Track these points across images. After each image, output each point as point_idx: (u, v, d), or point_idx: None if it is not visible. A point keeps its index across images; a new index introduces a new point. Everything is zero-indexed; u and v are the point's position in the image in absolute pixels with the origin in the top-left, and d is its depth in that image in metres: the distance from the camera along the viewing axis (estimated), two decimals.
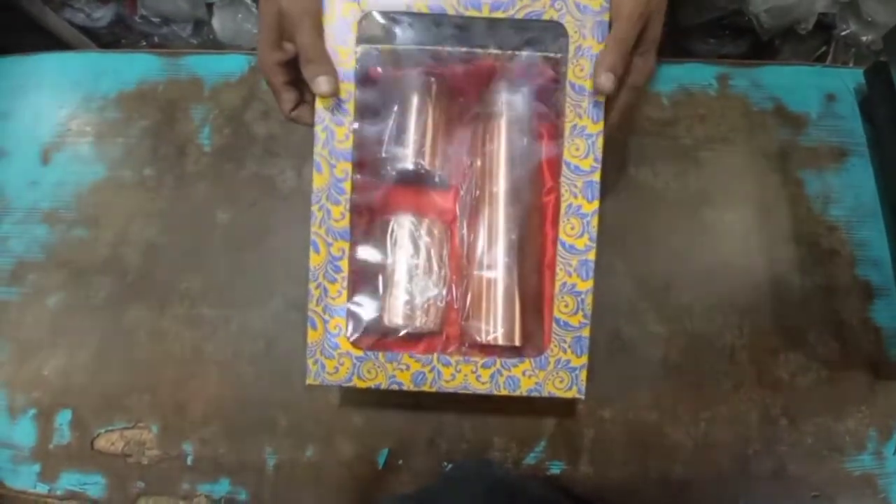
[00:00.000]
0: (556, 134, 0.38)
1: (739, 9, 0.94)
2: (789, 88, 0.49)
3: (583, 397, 0.33)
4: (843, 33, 0.94)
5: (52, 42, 1.27)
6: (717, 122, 0.48)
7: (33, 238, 0.46)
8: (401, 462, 0.39)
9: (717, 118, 0.48)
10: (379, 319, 0.35)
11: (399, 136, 0.37)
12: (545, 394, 0.34)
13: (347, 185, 0.33)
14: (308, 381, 0.33)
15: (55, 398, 0.41)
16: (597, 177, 0.33)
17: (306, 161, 0.46)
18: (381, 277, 0.36)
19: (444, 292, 0.37)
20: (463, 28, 0.36)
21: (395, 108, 0.37)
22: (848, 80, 0.50)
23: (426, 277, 0.36)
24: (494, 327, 0.35)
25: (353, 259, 0.34)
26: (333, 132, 0.33)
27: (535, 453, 0.39)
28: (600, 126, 0.33)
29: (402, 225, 0.36)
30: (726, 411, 0.40)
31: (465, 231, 0.38)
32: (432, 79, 0.38)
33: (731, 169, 0.46)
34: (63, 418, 0.41)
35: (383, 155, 0.37)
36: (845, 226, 0.45)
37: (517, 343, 0.35)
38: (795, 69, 0.50)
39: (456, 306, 0.37)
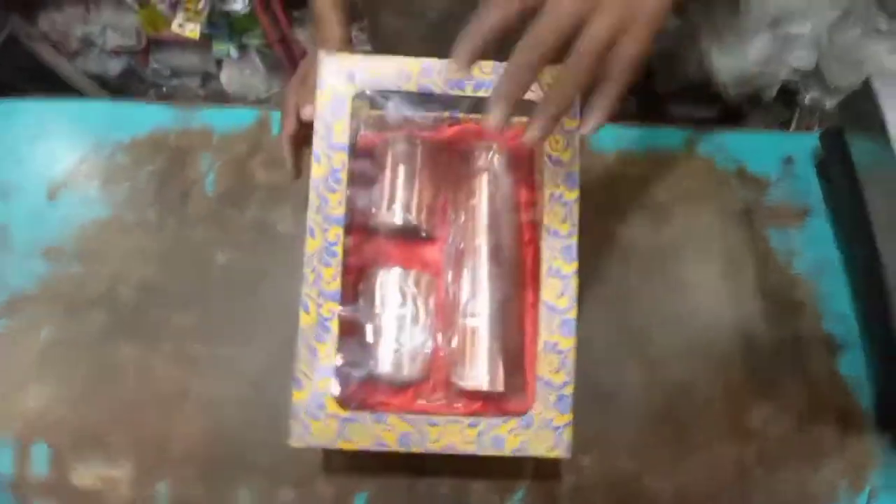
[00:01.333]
0: (534, 187, 0.42)
1: (708, 78, 1.04)
2: (751, 152, 0.53)
3: (568, 456, 0.34)
4: (807, 99, 1.03)
5: (65, 88, 1.34)
6: (687, 182, 0.52)
7: (31, 272, 0.47)
8: None
9: (687, 178, 0.52)
10: (367, 372, 0.36)
11: (387, 194, 0.40)
12: (530, 454, 0.34)
13: (339, 249, 0.35)
14: (292, 444, 0.33)
15: (34, 431, 0.41)
16: (574, 240, 0.35)
17: (306, 208, 0.49)
18: (368, 328, 0.37)
19: (430, 340, 0.38)
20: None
21: (384, 169, 0.41)
22: (805, 143, 0.55)
23: (413, 326, 0.37)
24: (479, 373, 0.36)
25: (341, 317, 0.35)
26: (327, 199, 0.35)
27: (514, 500, 0.39)
28: (576, 193, 0.36)
29: (391, 277, 0.39)
30: (703, 460, 0.41)
31: (450, 281, 0.40)
32: (418, 140, 0.42)
33: (701, 225, 0.50)
34: (40, 451, 0.40)
35: (372, 211, 0.39)
36: (809, 280, 0.48)
37: (500, 389, 0.36)
38: (757, 135, 0.56)
39: (442, 353, 0.38)
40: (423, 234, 0.41)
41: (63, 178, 0.52)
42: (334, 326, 0.34)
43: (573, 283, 0.35)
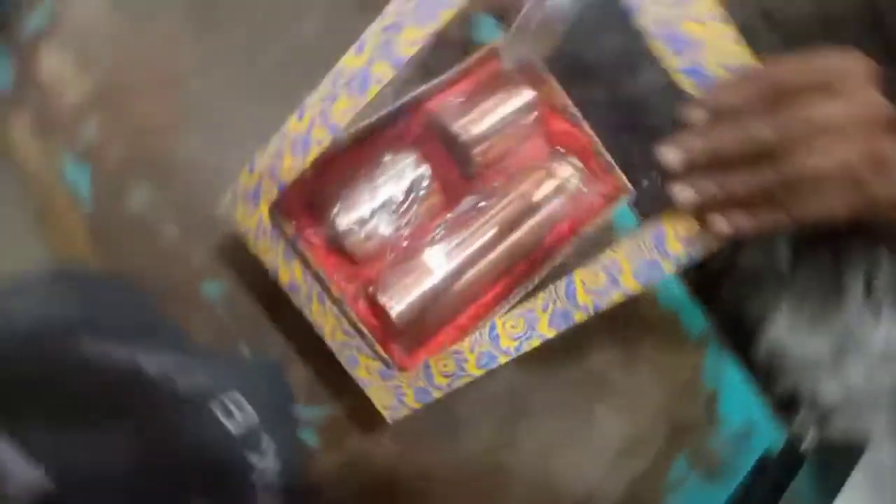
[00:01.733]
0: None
1: None
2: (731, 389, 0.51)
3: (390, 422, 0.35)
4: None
5: None
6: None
7: None
8: None
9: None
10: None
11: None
12: (367, 391, 0.35)
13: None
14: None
15: None
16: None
17: None
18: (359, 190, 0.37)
19: (394, 237, 0.37)
20: None
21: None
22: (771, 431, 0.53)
23: (391, 214, 0.37)
24: (397, 301, 0.36)
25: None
26: None
27: None
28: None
29: (411, 161, 0.38)
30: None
31: (453, 216, 0.39)
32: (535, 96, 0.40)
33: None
34: None
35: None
36: None
37: (399, 328, 0.36)
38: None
39: (389, 258, 0.38)
40: (469, 168, 0.40)
41: None
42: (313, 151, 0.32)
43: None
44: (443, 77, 0.40)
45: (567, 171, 0.41)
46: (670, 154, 0.23)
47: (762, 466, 0.52)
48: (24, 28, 0.38)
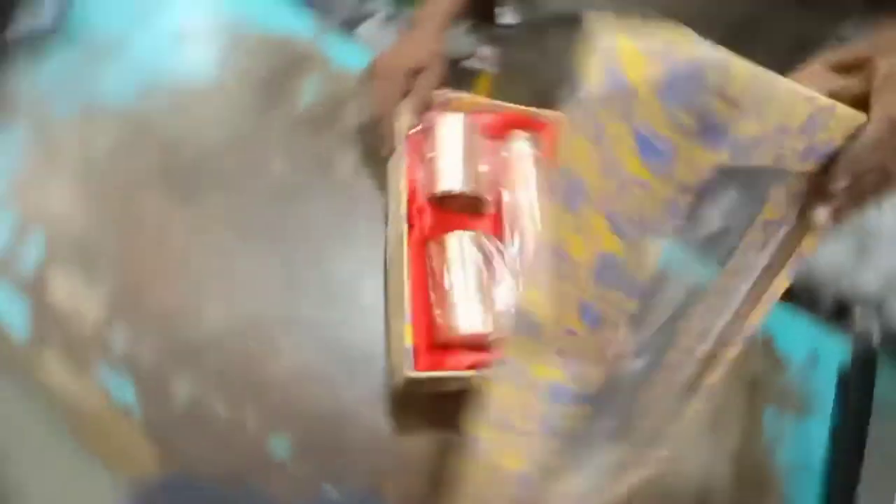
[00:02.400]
0: None
1: None
2: (783, 329, 0.52)
3: None
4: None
5: None
6: None
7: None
8: None
9: None
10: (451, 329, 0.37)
11: (448, 164, 0.43)
12: None
13: None
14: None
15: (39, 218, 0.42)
16: None
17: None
18: (452, 289, 0.38)
19: (510, 297, 0.39)
20: None
21: (442, 143, 0.44)
22: (835, 345, 0.53)
23: (495, 285, 0.39)
24: None
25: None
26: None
27: None
28: None
29: (467, 239, 0.40)
30: None
31: (512, 243, 0.42)
32: (470, 119, 0.46)
33: None
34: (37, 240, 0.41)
35: (433, 178, 0.43)
36: (784, 471, 0.47)
37: None
38: (794, 316, 0.53)
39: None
40: (480, 207, 0.44)
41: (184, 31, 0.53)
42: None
43: None
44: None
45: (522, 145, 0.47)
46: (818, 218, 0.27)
47: (843, 381, 0.52)
48: (24, 263, 0.39)
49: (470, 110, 0.48)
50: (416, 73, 0.46)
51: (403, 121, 0.45)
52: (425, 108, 0.46)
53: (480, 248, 0.40)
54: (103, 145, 0.47)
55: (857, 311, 1.10)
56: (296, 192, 0.48)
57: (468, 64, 1.26)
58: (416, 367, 0.36)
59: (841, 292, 1.03)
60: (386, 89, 0.46)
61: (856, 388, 0.51)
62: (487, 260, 0.40)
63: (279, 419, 0.38)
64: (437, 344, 0.38)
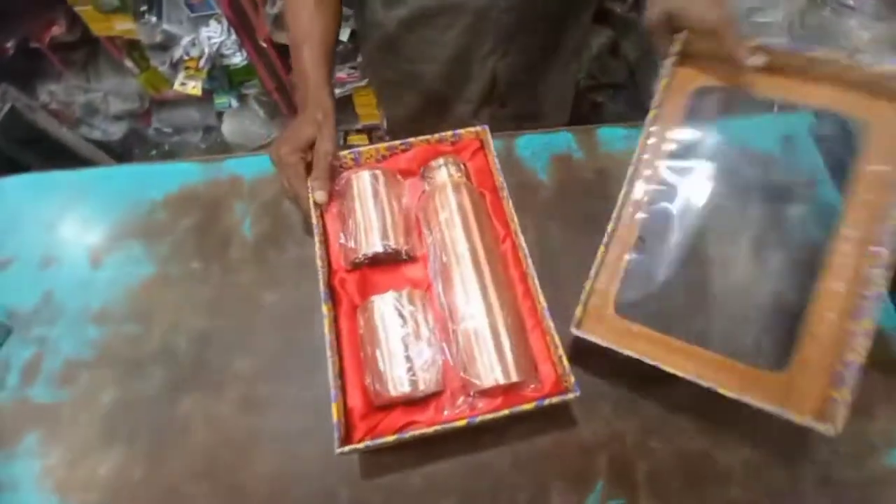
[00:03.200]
0: (495, 188, 0.48)
1: None
2: (752, 134, 0.55)
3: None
4: None
5: (68, 156, 1.37)
6: None
7: (84, 339, 0.48)
8: None
9: None
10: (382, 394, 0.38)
11: (363, 227, 0.44)
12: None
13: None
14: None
15: (112, 498, 0.41)
16: None
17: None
18: (378, 355, 0.39)
19: (438, 352, 0.40)
20: None
21: (354, 205, 0.46)
22: (801, 120, 0.57)
23: (418, 342, 0.39)
24: (490, 370, 0.38)
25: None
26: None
27: (594, 494, 0.40)
28: None
29: (386, 302, 0.41)
30: (765, 426, 0.42)
31: (441, 293, 0.42)
32: (378, 171, 0.47)
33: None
34: None
35: (352, 246, 0.44)
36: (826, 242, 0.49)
37: (515, 378, 0.38)
38: (753, 118, 0.57)
39: (452, 363, 0.40)
40: (405, 256, 0.45)
41: (103, 243, 0.54)
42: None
43: None
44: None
45: (440, 173, 0.48)
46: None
47: None
48: None
49: (379, 159, 0.50)
50: (310, 147, 0.47)
51: (317, 196, 0.46)
52: (331, 175, 0.47)
53: (401, 308, 0.41)
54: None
55: None
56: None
57: (338, 93, 1.26)
58: (353, 436, 0.38)
59: None
60: (288, 174, 0.46)
61: (833, 137, 0.54)
62: (412, 317, 0.41)
63: None
64: (373, 409, 0.39)
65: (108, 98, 1.30)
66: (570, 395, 0.37)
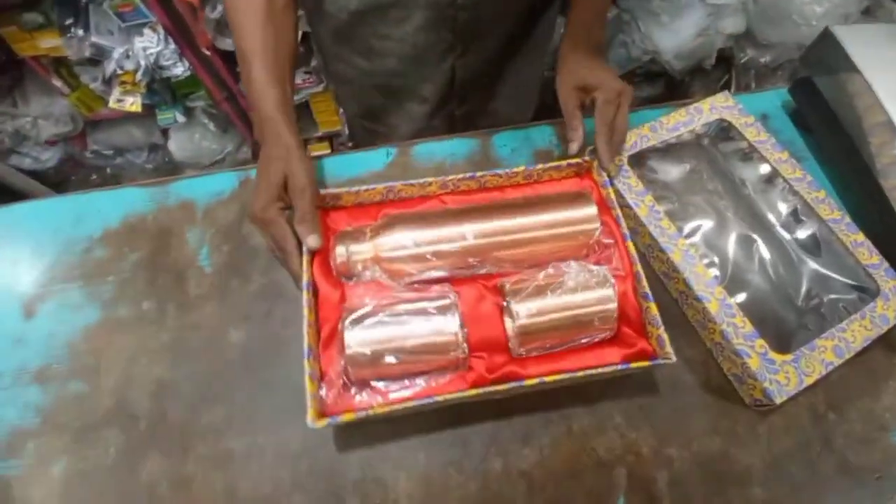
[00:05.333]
0: None
1: (654, 58, 1.08)
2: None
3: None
4: (742, 60, 1.10)
5: (1, 191, 1.24)
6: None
7: (25, 402, 0.42)
8: None
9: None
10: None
11: None
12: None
13: None
14: (778, 401, 0.37)
15: None
16: None
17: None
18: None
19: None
20: None
21: None
22: (774, 99, 0.57)
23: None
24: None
25: None
26: None
27: None
28: None
29: None
30: (780, 420, 0.41)
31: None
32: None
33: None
34: None
35: None
36: None
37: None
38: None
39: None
40: None
41: (36, 289, 0.47)
42: None
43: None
44: None
45: None
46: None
47: None
48: None
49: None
50: (285, 189, 0.41)
51: (309, 241, 0.40)
52: (316, 220, 0.40)
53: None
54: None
55: (735, 52, 1.17)
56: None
57: (295, 99, 1.19)
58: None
59: (716, 49, 1.09)
60: (272, 232, 0.40)
61: (810, 113, 0.54)
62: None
63: None
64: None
65: (38, 122, 1.17)
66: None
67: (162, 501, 0.38)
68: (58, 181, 1.35)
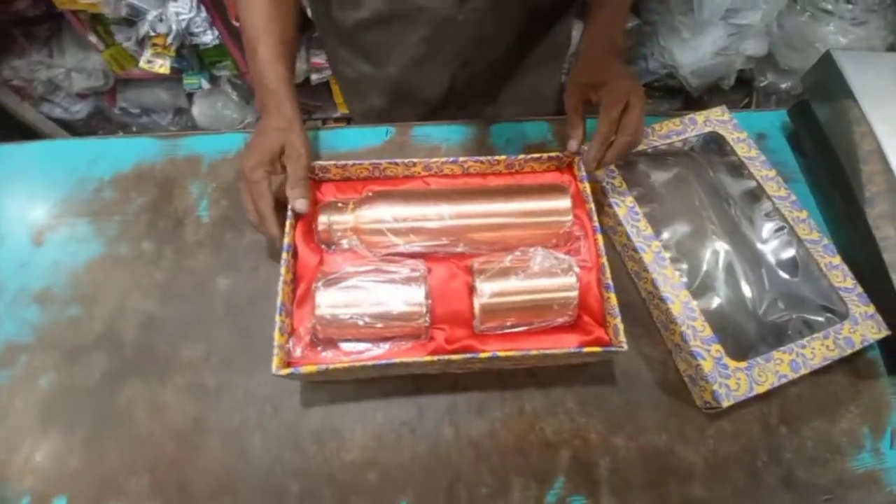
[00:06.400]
0: None
1: (671, 73, 1.08)
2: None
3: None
4: (763, 84, 1.09)
5: (32, 136, 1.30)
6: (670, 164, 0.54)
7: (24, 319, 0.45)
8: None
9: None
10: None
11: None
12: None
13: None
14: (725, 404, 0.38)
15: (49, 485, 0.39)
16: None
17: None
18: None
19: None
20: None
21: None
22: (774, 119, 0.58)
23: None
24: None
25: None
26: None
27: (554, 490, 0.39)
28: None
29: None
30: (729, 425, 0.42)
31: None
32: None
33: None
34: None
35: None
36: None
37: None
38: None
39: None
40: None
41: (47, 220, 0.50)
42: None
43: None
44: None
45: None
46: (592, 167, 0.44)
47: None
48: None
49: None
50: (277, 159, 0.43)
51: (298, 204, 0.42)
52: (308, 187, 0.43)
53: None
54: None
55: (756, 75, 1.16)
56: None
57: (315, 78, 1.22)
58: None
59: (736, 70, 1.08)
60: (252, 192, 0.42)
61: (805, 136, 0.54)
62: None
63: None
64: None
65: (72, 74, 1.23)
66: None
67: (137, 422, 0.41)
68: (85, 133, 1.40)
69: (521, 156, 0.46)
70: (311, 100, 1.31)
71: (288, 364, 0.38)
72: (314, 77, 1.20)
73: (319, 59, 1.17)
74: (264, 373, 0.36)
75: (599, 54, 0.48)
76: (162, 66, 1.07)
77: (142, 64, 1.08)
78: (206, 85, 1.22)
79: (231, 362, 0.43)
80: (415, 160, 0.45)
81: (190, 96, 1.32)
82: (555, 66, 0.67)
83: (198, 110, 1.32)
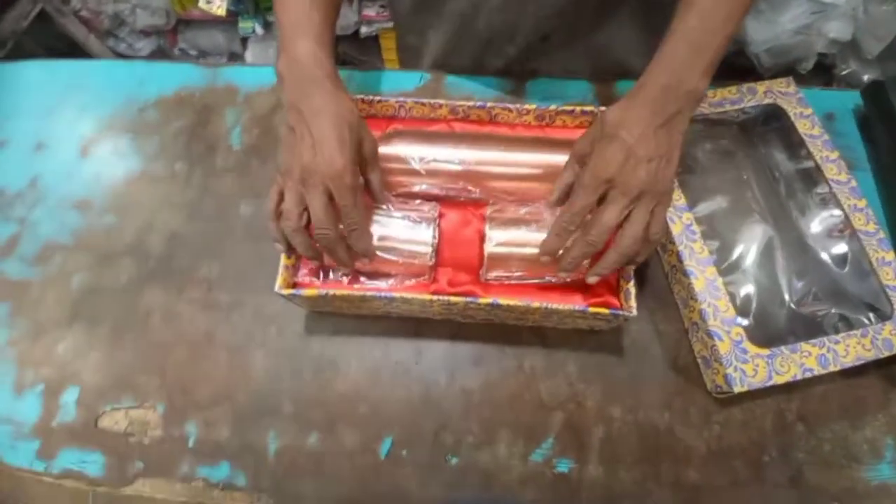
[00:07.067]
0: None
1: (741, 49, 0.99)
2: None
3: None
4: (844, 72, 0.98)
5: None
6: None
7: (63, 223, 0.48)
8: (404, 453, 0.39)
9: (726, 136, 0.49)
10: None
11: None
12: None
13: None
14: (737, 390, 0.36)
15: (64, 375, 0.42)
16: None
17: None
18: None
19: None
20: None
21: None
22: (847, 100, 0.52)
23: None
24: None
25: None
26: None
27: (541, 450, 0.38)
28: None
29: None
30: (739, 414, 0.39)
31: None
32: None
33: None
34: (70, 395, 0.41)
35: None
36: None
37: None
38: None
39: None
40: None
41: (94, 134, 0.53)
42: None
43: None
44: None
45: None
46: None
47: None
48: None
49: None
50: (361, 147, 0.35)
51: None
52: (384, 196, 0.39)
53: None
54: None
55: (837, 62, 1.05)
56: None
57: (365, 31, 1.21)
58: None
59: (815, 54, 0.97)
60: (351, 201, 0.33)
61: (876, 122, 0.49)
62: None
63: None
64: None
65: (137, 10, 1.28)
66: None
67: (153, 327, 0.43)
68: None
69: (553, 106, 0.44)
70: (359, 54, 1.30)
71: (294, 286, 0.39)
72: (364, 30, 1.19)
73: (370, 10, 1.15)
74: (273, 297, 0.37)
75: (635, 91, 0.33)
76: (219, 7, 1.10)
77: (201, 4, 1.11)
78: (259, 30, 1.24)
79: (244, 283, 0.45)
80: (441, 101, 0.44)
81: (245, 41, 1.35)
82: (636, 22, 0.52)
83: (251, 56, 1.35)
